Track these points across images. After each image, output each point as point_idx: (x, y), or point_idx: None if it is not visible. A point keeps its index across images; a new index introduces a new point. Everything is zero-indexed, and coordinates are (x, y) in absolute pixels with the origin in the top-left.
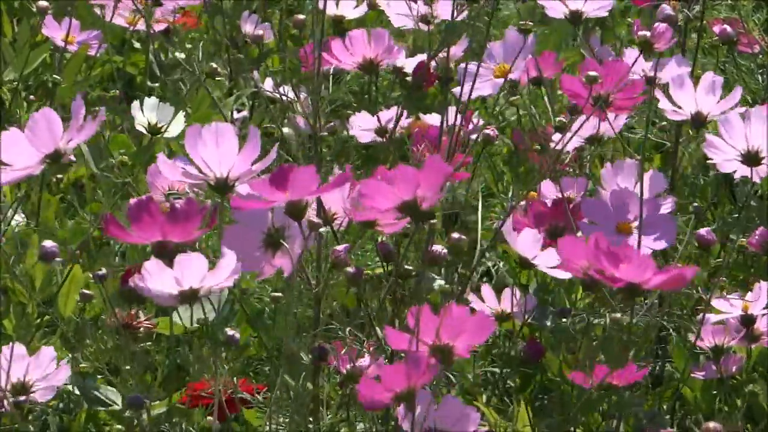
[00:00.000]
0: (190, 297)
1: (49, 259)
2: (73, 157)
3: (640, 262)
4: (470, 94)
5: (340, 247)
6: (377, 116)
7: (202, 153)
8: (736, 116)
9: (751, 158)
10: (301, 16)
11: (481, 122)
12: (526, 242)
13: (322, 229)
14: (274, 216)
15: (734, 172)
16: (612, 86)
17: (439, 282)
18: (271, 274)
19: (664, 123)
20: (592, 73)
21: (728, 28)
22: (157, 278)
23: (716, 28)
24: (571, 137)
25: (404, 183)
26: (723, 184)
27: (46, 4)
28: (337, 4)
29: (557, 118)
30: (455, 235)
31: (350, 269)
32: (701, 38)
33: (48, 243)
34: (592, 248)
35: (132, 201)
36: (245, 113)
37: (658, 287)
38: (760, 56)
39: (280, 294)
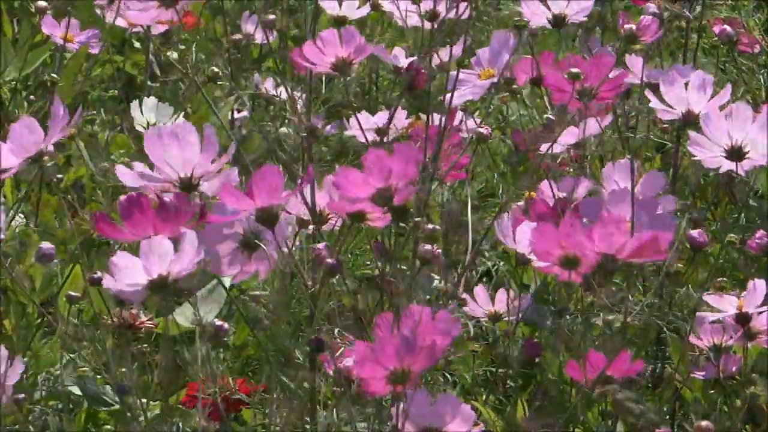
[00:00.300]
0: (160, 285)
1: (46, 261)
2: (50, 147)
3: (611, 229)
4: (451, 100)
5: (320, 245)
6: (356, 118)
7: (164, 155)
8: (718, 112)
9: (734, 153)
10: (271, 17)
11: (471, 121)
12: (524, 238)
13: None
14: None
15: (718, 168)
16: (597, 80)
17: (437, 282)
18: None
19: (666, 125)
20: (574, 70)
21: (728, 28)
22: (127, 272)
23: (716, 28)
24: (558, 135)
25: (375, 168)
26: (723, 183)
27: (44, 3)
28: (340, 5)
29: (545, 116)
30: (429, 225)
31: (329, 260)
32: (701, 38)
33: (45, 245)
34: (568, 228)
35: (123, 197)
36: (245, 113)
37: (633, 255)
38: (762, 57)
39: (260, 293)
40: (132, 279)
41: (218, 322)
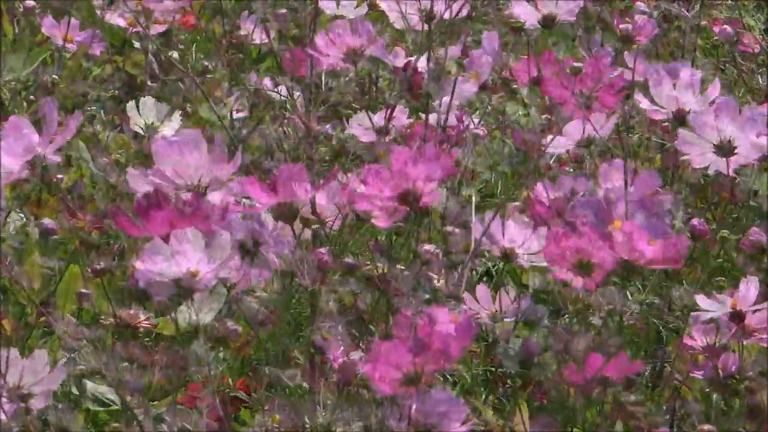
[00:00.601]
0: (189, 281)
1: (48, 235)
2: (55, 158)
3: (631, 236)
4: (450, 101)
5: (322, 250)
6: (368, 117)
7: (174, 162)
8: (707, 109)
9: (724, 149)
10: (283, 11)
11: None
12: (513, 233)
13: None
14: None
15: (708, 166)
16: (596, 81)
17: (438, 283)
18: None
19: (665, 123)
20: (576, 64)
21: (728, 28)
22: (158, 262)
23: (716, 28)
24: (554, 135)
25: (400, 167)
26: (723, 183)
27: (32, 3)
28: (337, 5)
29: (543, 116)
30: (449, 228)
31: (348, 260)
32: (701, 38)
33: (47, 220)
34: (584, 234)
35: (140, 194)
36: (245, 113)
37: (654, 260)
38: (762, 57)
39: (258, 294)
40: (162, 269)
41: (232, 326)
